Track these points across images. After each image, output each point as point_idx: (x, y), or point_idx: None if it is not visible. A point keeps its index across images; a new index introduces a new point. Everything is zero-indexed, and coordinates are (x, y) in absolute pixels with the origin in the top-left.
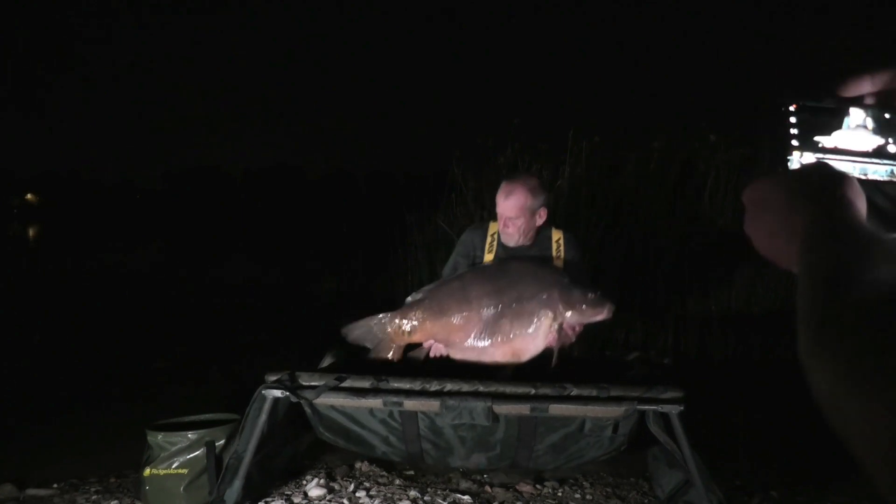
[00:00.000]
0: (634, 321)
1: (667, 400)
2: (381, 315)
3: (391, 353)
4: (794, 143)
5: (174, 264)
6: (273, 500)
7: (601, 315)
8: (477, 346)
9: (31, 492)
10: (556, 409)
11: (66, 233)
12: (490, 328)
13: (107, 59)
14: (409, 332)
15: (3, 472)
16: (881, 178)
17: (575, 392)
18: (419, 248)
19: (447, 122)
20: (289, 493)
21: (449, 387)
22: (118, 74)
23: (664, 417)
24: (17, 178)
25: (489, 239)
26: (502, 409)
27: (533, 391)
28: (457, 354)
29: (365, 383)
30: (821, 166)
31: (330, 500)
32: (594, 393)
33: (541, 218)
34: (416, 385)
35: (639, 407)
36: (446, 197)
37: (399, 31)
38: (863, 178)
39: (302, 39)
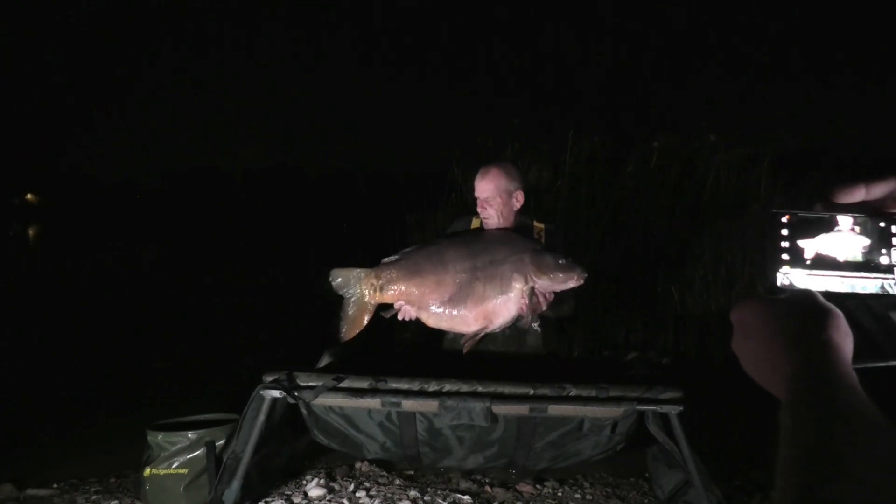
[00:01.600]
0: (634, 321)
1: (666, 400)
2: (358, 270)
3: (360, 310)
4: (784, 256)
5: (174, 264)
6: (273, 500)
7: (572, 281)
8: (449, 309)
9: (31, 492)
10: (556, 409)
11: (66, 233)
12: (463, 291)
13: (107, 58)
14: (382, 291)
15: (3, 472)
16: (870, 292)
17: (574, 392)
18: None
19: (447, 123)
20: (289, 493)
21: (448, 387)
22: (118, 74)
23: (663, 418)
24: (17, 178)
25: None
26: (501, 409)
27: (532, 391)
28: (429, 318)
29: (363, 383)
30: (806, 299)
31: (330, 500)
32: (593, 393)
33: (517, 202)
34: (415, 385)
35: (638, 407)
36: (446, 197)
37: (399, 30)
38: (849, 292)
39: (302, 39)
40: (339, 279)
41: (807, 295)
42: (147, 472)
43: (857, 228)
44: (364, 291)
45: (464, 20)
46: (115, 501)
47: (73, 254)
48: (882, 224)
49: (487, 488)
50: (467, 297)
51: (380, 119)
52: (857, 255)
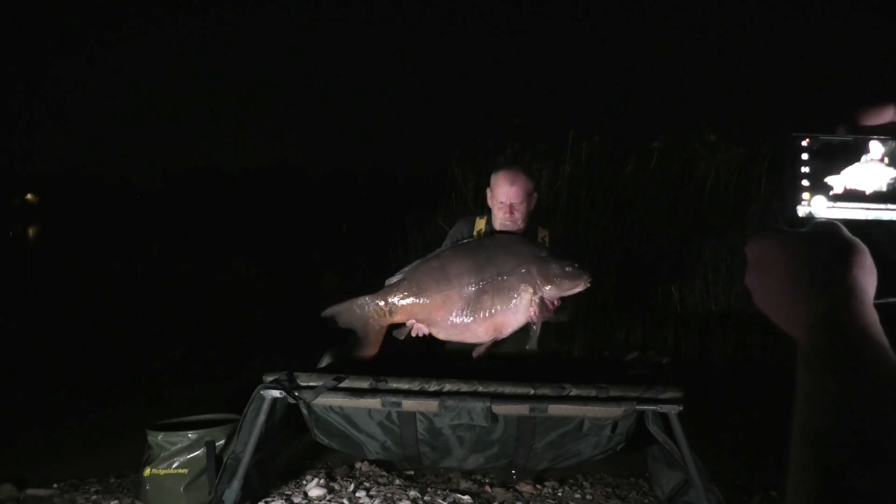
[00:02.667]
0: (634, 321)
1: (666, 400)
2: (361, 298)
3: (373, 335)
4: (805, 182)
5: (173, 264)
6: (273, 500)
7: (578, 287)
8: (458, 322)
9: (31, 492)
10: (556, 409)
11: (66, 233)
12: (471, 305)
13: (106, 57)
14: (390, 314)
15: (3, 472)
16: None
17: (574, 392)
18: (419, 249)
19: (447, 123)
20: (289, 493)
21: (448, 387)
22: (117, 73)
23: (663, 417)
24: (17, 178)
25: (475, 235)
26: (501, 409)
27: (532, 391)
28: (439, 333)
29: (363, 383)
30: (830, 234)
31: (330, 500)
32: (593, 393)
33: (534, 202)
34: (415, 385)
35: (638, 407)
36: (446, 197)
37: (399, 31)
38: (874, 219)
39: (302, 38)
40: (343, 314)
41: (830, 228)
42: (147, 472)
43: (887, 159)
44: (372, 318)
45: (463, 19)
46: (115, 501)
47: (73, 254)
48: None
49: (487, 488)
50: (476, 311)
51: (380, 119)
52: (884, 187)
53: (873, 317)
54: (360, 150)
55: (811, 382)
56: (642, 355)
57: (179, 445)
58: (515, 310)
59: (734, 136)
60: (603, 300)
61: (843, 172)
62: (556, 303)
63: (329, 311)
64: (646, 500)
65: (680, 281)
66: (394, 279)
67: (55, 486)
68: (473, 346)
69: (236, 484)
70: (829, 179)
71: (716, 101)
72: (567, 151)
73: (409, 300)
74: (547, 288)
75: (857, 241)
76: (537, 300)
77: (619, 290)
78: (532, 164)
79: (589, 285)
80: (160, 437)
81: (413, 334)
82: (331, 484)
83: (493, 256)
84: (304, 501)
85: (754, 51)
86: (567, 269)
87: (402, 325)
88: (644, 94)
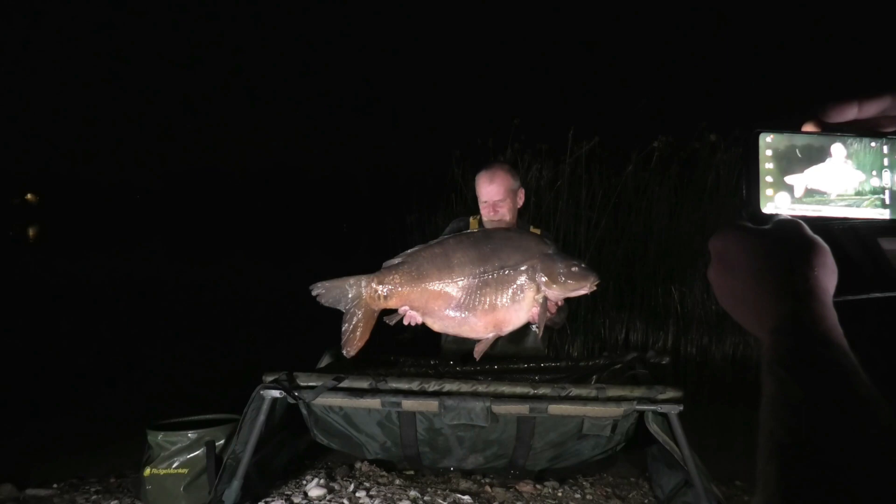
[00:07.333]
0: (634, 321)
1: (665, 400)
2: (355, 278)
3: (363, 319)
4: (769, 179)
5: (173, 265)
6: (273, 500)
7: (584, 289)
8: (456, 315)
9: (31, 492)
10: (555, 409)
11: (66, 233)
12: (471, 297)
13: (106, 56)
14: (385, 298)
15: (3, 472)
16: (857, 217)
17: (574, 392)
18: None
19: (447, 123)
20: (289, 493)
21: (448, 387)
22: (117, 72)
23: (663, 417)
24: (18, 178)
25: None
26: (501, 409)
27: (532, 391)
28: (434, 323)
29: (363, 383)
30: (792, 233)
31: (330, 500)
32: (593, 393)
33: (520, 199)
34: (415, 385)
35: (637, 407)
36: (446, 197)
37: (399, 30)
38: (839, 219)
39: (302, 38)
40: (333, 292)
41: (793, 226)
42: (147, 472)
43: (850, 162)
44: (366, 300)
45: (463, 19)
46: (115, 501)
47: (73, 254)
48: (873, 144)
49: (487, 488)
50: (477, 305)
51: (380, 119)
52: (849, 189)
53: (834, 318)
54: (361, 149)
55: (774, 392)
56: (642, 355)
57: (179, 445)
58: (517, 307)
59: (734, 136)
60: (603, 300)
61: (806, 172)
62: (559, 303)
63: (318, 287)
64: (646, 500)
65: (680, 281)
66: (392, 261)
67: (55, 486)
68: (471, 342)
69: (236, 484)
70: (793, 178)
71: (716, 101)
72: (567, 151)
73: (407, 285)
74: (552, 287)
75: (819, 239)
76: (540, 299)
77: (619, 290)
78: (532, 165)
79: (595, 288)
80: (160, 437)
81: (405, 322)
82: (331, 484)
83: (498, 249)
84: (304, 501)
85: (754, 50)
86: (573, 268)
87: (395, 310)
88: (644, 94)
